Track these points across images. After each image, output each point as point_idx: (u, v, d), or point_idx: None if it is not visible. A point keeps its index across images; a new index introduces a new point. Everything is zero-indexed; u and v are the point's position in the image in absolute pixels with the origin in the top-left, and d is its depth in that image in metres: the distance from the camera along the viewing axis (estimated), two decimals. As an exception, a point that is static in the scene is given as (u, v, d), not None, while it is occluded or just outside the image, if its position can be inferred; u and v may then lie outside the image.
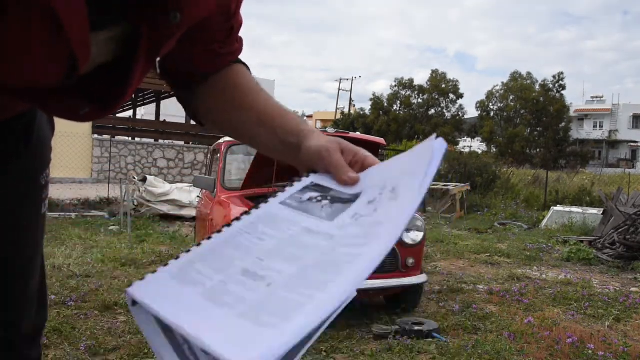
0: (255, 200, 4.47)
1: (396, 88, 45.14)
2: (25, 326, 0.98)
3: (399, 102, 44.83)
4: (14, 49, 0.54)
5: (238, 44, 0.85)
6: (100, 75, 0.64)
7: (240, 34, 0.83)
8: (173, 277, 0.49)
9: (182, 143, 18.13)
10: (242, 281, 0.47)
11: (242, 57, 0.88)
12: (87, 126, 16.74)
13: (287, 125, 0.76)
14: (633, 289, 5.38)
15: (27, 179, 0.92)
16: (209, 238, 0.55)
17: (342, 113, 48.14)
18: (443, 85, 43.88)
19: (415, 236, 4.01)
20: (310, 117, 60.26)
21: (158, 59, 0.70)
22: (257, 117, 0.78)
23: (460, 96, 44.37)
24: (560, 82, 43.12)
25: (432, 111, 44.50)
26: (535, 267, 6.43)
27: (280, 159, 0.78)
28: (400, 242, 3.96)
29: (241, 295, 0.45)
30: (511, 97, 44.32)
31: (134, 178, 10.39)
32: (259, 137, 0.79)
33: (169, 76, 0.85)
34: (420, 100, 44.56)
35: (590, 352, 3.30)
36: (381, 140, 4.54)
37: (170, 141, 18.34)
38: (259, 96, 0.81)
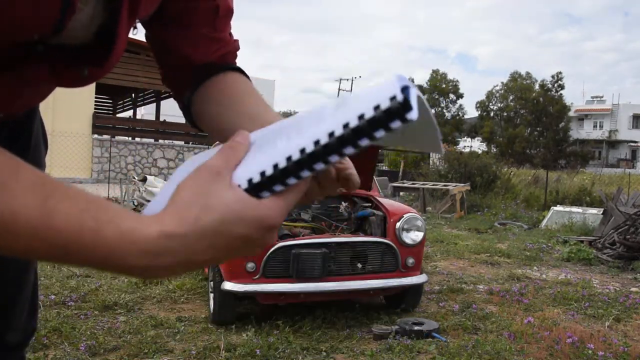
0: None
1: (396, 88, 45.13)
2: (11, 335, 0.98)
3: (398, 102, 44.81)
4: None
5: (231, 38, 0.87)
6: (91, 44, 0.70)
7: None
8: None
9: (182, 143, 18.13)
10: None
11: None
12: (87, 126, 16.75)
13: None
14: (633, 289, 5.38)
15: None
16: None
17: (342, 113, 48.13)
18: (443, 85, 43.88)
19: (415, 236, 4.01)
20: (310, 117, 60.20)
21: (138, 21, 0.74)
22: (249, 120, 0.76)
23: (460, 96, 44.40)
24: (559, 81, 43.14)
25: (432, 111, 44.43)
26: (535, 267, 6.43)
27: None
28: (400, 242, 3.96)
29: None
30: (511, 97, 44.31)
31: (134, 178, 10.39)
32: None
33: (169, 81, 0.88)
34: (420, 100, 44.56)
35: (590, 352, 3.29)
36: (381, 140, 4.54)
37: (170, 141, 18.33)
38: (255, 102, 0.80)
